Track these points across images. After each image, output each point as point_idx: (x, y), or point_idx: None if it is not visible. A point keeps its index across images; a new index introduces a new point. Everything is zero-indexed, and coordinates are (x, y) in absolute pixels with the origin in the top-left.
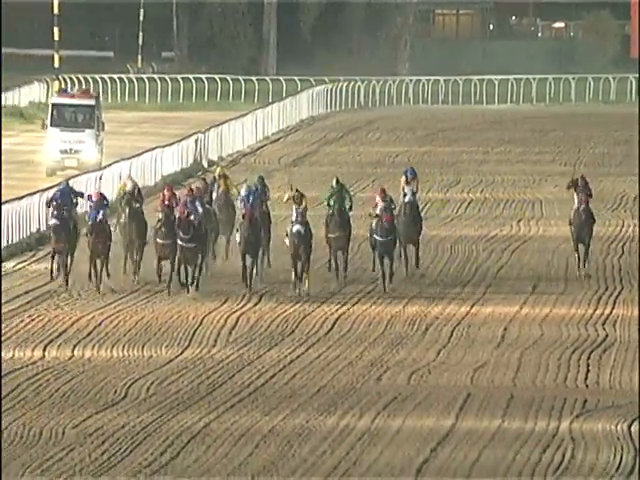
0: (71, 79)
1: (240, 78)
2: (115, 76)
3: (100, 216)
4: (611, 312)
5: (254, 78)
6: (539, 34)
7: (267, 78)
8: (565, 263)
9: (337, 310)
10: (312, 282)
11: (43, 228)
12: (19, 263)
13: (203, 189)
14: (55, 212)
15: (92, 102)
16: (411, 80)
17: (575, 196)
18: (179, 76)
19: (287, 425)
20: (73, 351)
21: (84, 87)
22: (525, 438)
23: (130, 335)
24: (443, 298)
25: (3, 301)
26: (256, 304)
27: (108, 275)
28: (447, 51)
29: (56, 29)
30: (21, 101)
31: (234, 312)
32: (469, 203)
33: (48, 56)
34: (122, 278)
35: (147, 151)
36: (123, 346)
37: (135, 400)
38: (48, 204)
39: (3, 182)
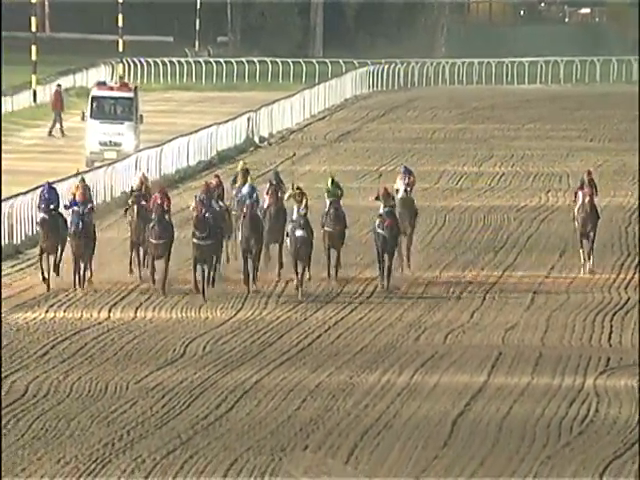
0: (134, 62)
1: (289, 61)
2: (174, 59)
3: (84, 216)
4: (633, 277)
5: (302, 61)
6: (566, 19)
7: (314, 61)
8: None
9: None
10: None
11: (107, 199)
12: None
13: (216, 184)
14: (43, 207)
15: (131, 95)
16: (447, 62)
17: (580, 192)
18: (233, 59)
19: (332, 381)
20: (136, 312)
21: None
22: (553, 393)
23: (188, 298)
24: (476, 264)
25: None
26: (303, 270)
27: (91, 275)
28: (481, 35)
29: (120, 16)
30: (88, 82)
31: (283, 277)
32: (501, 176)
33: (113, 41)
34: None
35: (204, 128)
36: (181, 308)
37: (192, 358)
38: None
39: (72, 156)
